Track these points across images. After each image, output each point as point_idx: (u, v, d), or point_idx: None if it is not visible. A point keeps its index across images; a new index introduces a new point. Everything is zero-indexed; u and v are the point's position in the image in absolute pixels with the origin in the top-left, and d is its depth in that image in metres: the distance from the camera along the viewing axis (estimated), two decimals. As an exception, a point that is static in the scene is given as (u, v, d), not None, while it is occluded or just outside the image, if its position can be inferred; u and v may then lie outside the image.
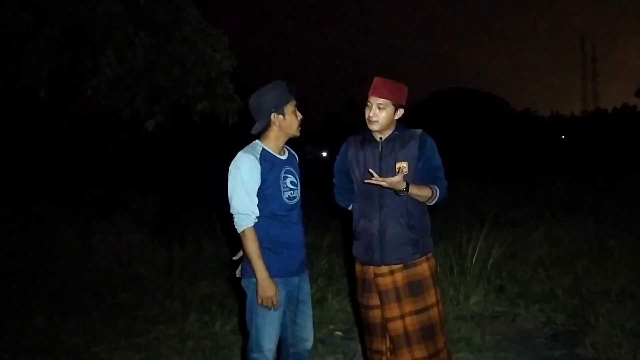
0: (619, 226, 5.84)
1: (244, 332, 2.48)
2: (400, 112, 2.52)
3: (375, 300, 2.51)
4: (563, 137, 34.98)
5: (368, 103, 2.49)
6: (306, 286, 2.54)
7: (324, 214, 6.84)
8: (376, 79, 2.50)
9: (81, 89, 4.94)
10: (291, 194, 2.46)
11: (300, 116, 2.49)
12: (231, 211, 2.39)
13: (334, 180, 2.72)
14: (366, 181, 2.37)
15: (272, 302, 2.33)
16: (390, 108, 2.47)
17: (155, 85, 5.13)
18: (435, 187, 2.43)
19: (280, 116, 2.41)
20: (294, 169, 2.53)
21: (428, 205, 2.53)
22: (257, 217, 2.37)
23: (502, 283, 4.49)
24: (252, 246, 2.33)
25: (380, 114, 2.45)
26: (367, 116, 2.48)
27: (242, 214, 2.35)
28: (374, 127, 2.48)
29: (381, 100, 2.45)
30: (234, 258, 2.58)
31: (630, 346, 3.24)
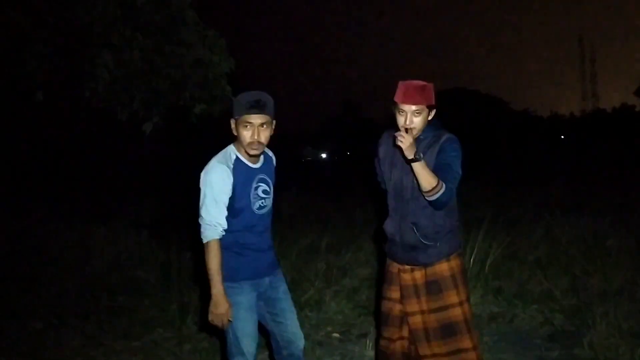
0: (618, 226, 5.83)
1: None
2: (433, 112, 2.48)
3: (396, 294, 2.58)
4: (562, 137, 35.00)
5: (401, 111, 2.41)
6: (281, 285, 2.51)
7: (322, 215, 6.85)
8: (405, 85, 2.40)
9: (78, 92, 4.94)
10: (262, 203, 2.39)
11: (252, 137, 2.27)
12: (199, 220, 2.32)
13: (377, 171, 2.75)
14: (396, 134, 2.29)
15: (222, 320, 2.31)
16: (425, 112, 2.42)
17: (153, 87, 5.14)
18: (443, 183, 2.33)
19: (234, 126, 2.33)
20: (269, 176, 2.45)
21: (452, 207, 2.49)
22: (224, 230, 2.31)
23: (500, 283, 4.48)
24: (213, 260, 2.28)
25: (416, 120, 2.40)
26: (401, 124, 2.40)
27: (208, 224, 2.29)
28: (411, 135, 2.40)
29: (416, 107, 2.39)
30: None
31: (627, 346, 3.23)
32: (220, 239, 2.31)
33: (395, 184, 2.52)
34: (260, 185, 2.39)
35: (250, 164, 2.38)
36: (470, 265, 4.47)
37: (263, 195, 2.40)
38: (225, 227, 2.31)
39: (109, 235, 5.83)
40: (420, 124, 2.43)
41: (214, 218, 2.29)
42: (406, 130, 2.35)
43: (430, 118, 2.47)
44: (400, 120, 2.43)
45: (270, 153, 2.56)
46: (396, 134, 2.29)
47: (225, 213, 2.31)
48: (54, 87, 5.10)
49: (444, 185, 2.31)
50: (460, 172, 2.42)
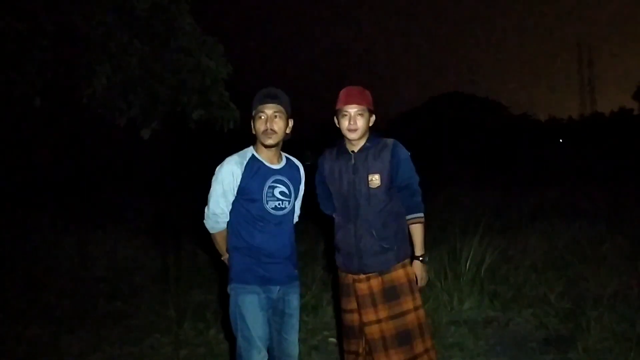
0: (613, 231, 5.86)
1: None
2: (373, 118, 2.60)
3: (353, 305, 2.60)
4: (561, 140, 35.01)
5: (344, 113, 2.54)
6: (294, 300, 2.49)
7: (320, 220, 6.85)
8: (347, 89, 2.57)
9: (77, 98, 4.97)
10: (279, 204, 2.39)
11: (265, 125, 2.34)
12: (206, 210, 2.44)
13: (317, 191, 2.80)
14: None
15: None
16: (367, 114, 2.55)
17: (151, 93, 5.16)
18: (420, 214, 2.56)
19: (253, 124, 2.42)
20: (290, 181, 2.45)
21: (402, 213, 2.59)
22: (227, 221, 2.42)
23: (496, 288, 4.49)
24: (221, 244, 2.49)
25: (359, 122, 2.52)
26: (345, 126, 2.53)
27: (213, 219, 2.43)
28: (354, 135, 2.53)
29: (358, 108, 2.52)
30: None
31: (621, 350, 3.25)
32: (226, 233, 2.46)
33: (347, 193, 2.55)
34: (277, 186, 2.40)
35: (267, 163, 2.41)
36: (466, 270, 4.49)
37: (280, 197, 2.40)
38: (227, 219, 2.42)
39: (106, 240, 5.84)
40: (363, 126, 2.53)
41: (220, 210, 2.40)
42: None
43: (371, 124, 2.58)
44: (344, 123, 2.54)
45: (298, 163, 2.58)
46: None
47: (229, 207, 2.39)
48: (52, 93, 5.12)
49: (422, 215, 2.57)
50: (416, 172, 2.61)
